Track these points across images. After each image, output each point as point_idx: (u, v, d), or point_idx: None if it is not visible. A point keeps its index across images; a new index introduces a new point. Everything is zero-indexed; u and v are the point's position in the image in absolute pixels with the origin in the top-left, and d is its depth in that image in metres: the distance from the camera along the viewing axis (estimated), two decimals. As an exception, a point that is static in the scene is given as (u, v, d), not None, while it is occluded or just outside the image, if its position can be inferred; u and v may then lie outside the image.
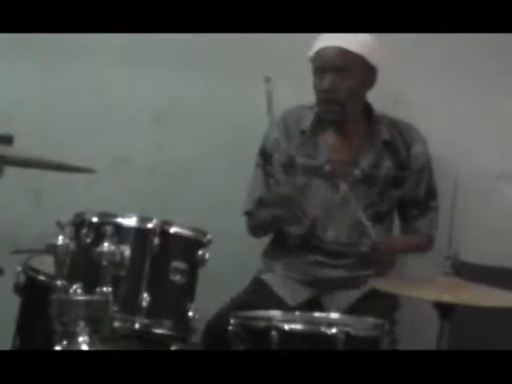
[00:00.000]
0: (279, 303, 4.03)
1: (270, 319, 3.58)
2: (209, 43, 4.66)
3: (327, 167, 4.22)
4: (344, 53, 4.11)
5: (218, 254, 3.70)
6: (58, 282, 3.48)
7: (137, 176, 4.32)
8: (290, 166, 4.26)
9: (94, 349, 3.43)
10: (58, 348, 3.43)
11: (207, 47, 4.70)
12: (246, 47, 4.66)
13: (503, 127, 4.52)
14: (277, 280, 4.30)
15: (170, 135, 4.63)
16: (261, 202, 4.26)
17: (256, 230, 4.32)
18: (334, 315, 3.73)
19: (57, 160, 3.68)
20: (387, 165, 4.22)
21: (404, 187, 4.27)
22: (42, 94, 4.57)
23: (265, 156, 4.34)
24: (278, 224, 4.25)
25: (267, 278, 4.31)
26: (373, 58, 4.16)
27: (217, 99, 4.66)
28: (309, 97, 4.27)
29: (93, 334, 3.44)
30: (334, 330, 3.46)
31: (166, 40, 4.64)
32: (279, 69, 4.38)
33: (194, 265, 3.62)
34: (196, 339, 3.81)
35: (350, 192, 4.17)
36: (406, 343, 4.01)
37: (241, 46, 4.66)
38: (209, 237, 3.63)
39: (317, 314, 3.76)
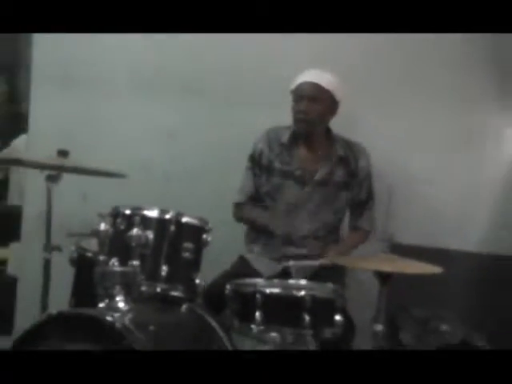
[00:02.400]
0: (257, 275, 4.19)
1: (255, 285, 3.72)
2: (212, 74, 4.80)
3: (297, 172, 4.42)
4: (318, 87, 4.30)
5: (216, 238, 3.91)
6: (101, 257, 3.88)
7: (156, 180, 4.58)
8: (270, 170, 4.43)
9: (127, 307, 3.69)
10: (101, 305, 3.72)
11: (211, 78, 4.83)
12: (241, 80, 4.80)
13: (425, 144, 4.68)
14: (255, 258, 4.50)
15: (180, 149, 4.81)
16: (250, 198, 4.50)
17: (239, 218, 4.54)
18: (303, 282, 3.80)
19: (98, 168, 4.04)
20: (340, 173, 4.40)
21: (350, 191, 4.45)
22: (87, 122, 4.81)
23: (253, 161, 4.49)
24: (258, 227, 4.48)
25: (248, 256, 4.52)
26: (338, 94, 4.35)
27: (217, 120, 4.78)
28: (285, 120, 4.46)
29: (126, 295, 3.74)
30: (302, 293, 3.68)
31: (179, 71, 4.84)
32: (264, 98, 4.61)
33: (200, 245, 3.89)
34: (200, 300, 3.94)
35: (312, 192, 4.42)
36: (354, 303, 4.13)
37: (237, 79, 4.79)
38: (210, 225, 3.91)
39: (290, 281, 3.83)
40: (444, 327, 4.37)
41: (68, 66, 4.94)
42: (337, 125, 4.50)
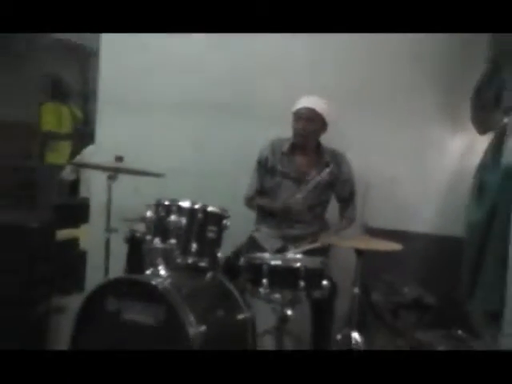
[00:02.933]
0: (263, 250, 4.15)
1: (262, 258, 3.74)
2: (230, 98, 4.73)
3: (294, 174, 4.39)
4: (313, 111, 4.27)
5: (233, 222, 3.91)
6: (147, 237, 3.87)
7: (188, 179, 4.50)
8: (273, 171, 4.41)
9: (166, 274, 3.73)
10: (147, 272, 3.78)
11: (229, 102, 4.75)
12: (253, 103, 4.72)
13: (391, 152, 4.62)
14: (261, 236, 4.44)
15: (206, 155, 4.79)
16: (257, 192, 4.47)
17: (249, 207, 4.50)
18: (298, 256, 3.83)
19: (145, 170, 4.06)
20: (326, 176, 4.30)
21: (334, 190, 4.43)
22: (137, 135, 4.82)
23: (259, 165, 4.45)
24: (267, 210, 4.43)
25: (256, 235, 4.47)
26: (328, 117, 4.32)
27: (233, 134, 4.73)
28: (285, 133, 4.40)
29: (166, 265, 3.78)
30: (298, 264, 3.68)
31: (205, 97, 4.76)
32: (270, 117, 4.54)
33: (220, 228, 3.89)
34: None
35: (306, 189, 4.29)
36: (338, 272, 4.10)
37: (250, 102, 4.73)
38: (229, 213, 3.92)
39: (289, 255, 3.86)
40: (405, 289, 4.36)
41: (122, 94, 4.93)
42: (326, 137, 4.47)
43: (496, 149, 4.00)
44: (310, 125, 4.34)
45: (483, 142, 4.20)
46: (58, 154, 7.27)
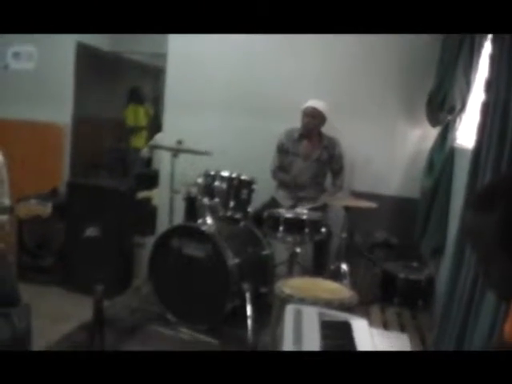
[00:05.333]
0: (280, 206, 4.00)
1: (279, 212, 3.65)
2: (262, 101, 4.56)
3: (302, 154, 4.22)
4: (316, 110, 4.11)
5: (260, 187, 3.83)
6: (199, 197, 3.79)
7: (229, 157, 4.31)
8: (287, 153, 4.24)
9: (212, 222, 3.67)
10: (199, 221, 3.72)
11: (256, 102, 4.57)
12: (268, 101, 4.54)
13: (370, 137, 4.45)
14: (279, 197, 4.25)
15: (242, 140, 4.61)
16: (278, 168, 4.29)
17: (274, 178, 4.30)
18: (305, 211, 3.74)
19: (199, 149, 3.85)
20: (325, 156, 4.21)
21: (330, 165, 4.26)
22: (193, 125, 4.63)
23: (278, 148, 4.26)
24: (283, 182, 4.27)
25: (276, 195, 4.28)
26: (326, 114, 4.13)
27: (261, 126, 4.55)
28: (296, 124, 4.19)
29: (212, 216, 3.71)
30: (304, 217, 3.62)
31: (244, 97, 4.62)
32: (285, 114, 4.30)
33: (250, 191, 3.77)
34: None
35: (309, 164, 4.22)
36: (333, 222, 4.05)
37: (264, 100, 4.55)
38: (256, 181, 3.79)
39: (298, 210, 3.77)
40: (377, 233, 4.31)
41: (181, 97, 4.80)
42: (326, 129, 4.28)
43: (442, 137, 3.96)
44: (314, 120, 4.17)
45: (434, 132, 4.14)
46: (139, 140, 7.33)
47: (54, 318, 3.57)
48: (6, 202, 2.91)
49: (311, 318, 1.80)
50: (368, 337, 1.73)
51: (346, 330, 1.76)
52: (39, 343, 2.90)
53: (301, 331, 1.68)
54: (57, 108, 5.02)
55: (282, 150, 4.30)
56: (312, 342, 1.61)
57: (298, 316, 1.81)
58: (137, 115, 7.35)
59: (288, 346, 1.58)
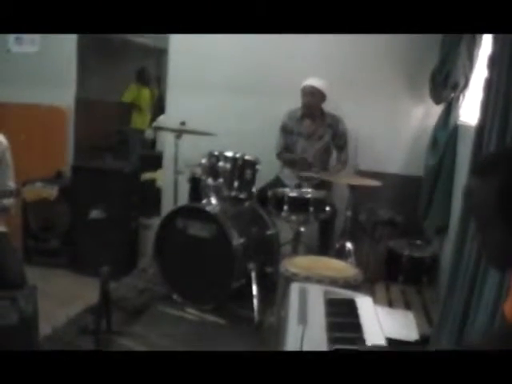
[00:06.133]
0: (285, 186, 3.96)
1: (284, 191, 3.61)
2: (263, 82, 4.53)
3: (305, 133, 4.19)
4: (315, 88, 4.06)
5: (264, 167, 3.81)
6: (203, 177, 3.76)
7: (233, 137, 4.27)
8: (290, 132, 4.20)
9: (216, 203, 3.67)
10: (203, 201, 3.72)
11: (259, 83, 4.54)
12: (270, 81, 4.51)
13: (373, 115, 4.43)
14: (284, 176, 4.22)
15: (245, 121, 4.58)
16: (283, 149, 4.26)
17: (280, 159, 4.27)
18: (309, 190, 3.66)
19: (202, 131, 3.87)
20: (328, 133, 4.17)
21: (334, 141, 4.20)
22: (197, 105, 4.59)
23: (282, 129, 4.23)
24: (289, 162, 4.22)
25: (280, 175, 4.26)
26: (326, 91, 4.08)
27: (265, 106, 4.52)
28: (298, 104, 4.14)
29: (216, 197, 3.71)
30: (309, 195, 3.58)
31: (247, 79, 4.59)
32: (289, 95, 4.19)
33: (254, 171, 3.75)
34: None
35: (313, 143, 4.19)
36: (337, 200, 4.03)
37: (266, 80, 4.52)
38: (260, 161, 3.76)
39: (303, 189, 3.67)
40: (381, 212, 4.27)
41: (184, 78, 4.78)
42: (330, 108, 4.26)
43: (446, 114, 3.94)
44: (313, 98, 4.12)
45: (437, 110, 4.12)
46: (142, 121, 7.29)
47: (61, 300, 3.58)
48: (12, 185, 2.94)
49: (316, 296, 1.80)
50: (373, 314, 1.72)
51: (350, 307, 1.76)
52: (46, 326, 2.91)
53: (306, 309, 1.68)
54: (60, 91, 4.96)
55: (285, 131, 4.27)
56: (317, 319, 1.61)
57: (303, 294, 1.81)
58: (141, 95, 7.27)
59: (293, 323, 1.57)
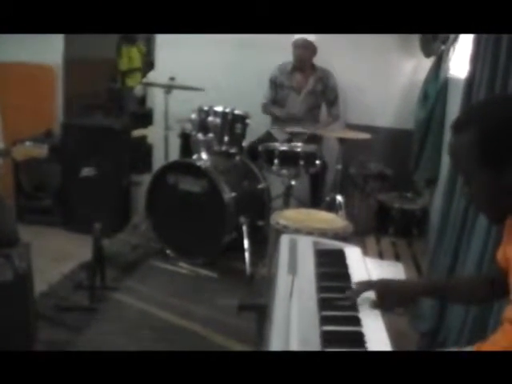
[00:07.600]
0: (275, 140, 3.93)
1: (274, 146, 3.59)
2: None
3: (295, 86, 4.17)
4: (305, 40, 4.02)
5: (254, 122, 3.76)
6: (193, 132, 3.74)
7: (221, 91, 4.25)
8: (281, 86, 4.17)
9: (207, 158, 3.65)
10: (194, 157, 3.70)
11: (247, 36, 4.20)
12: (262, 35, 4.09)
13: (362, 69, 4.38)
14: (275, 131, 4.18)
15: (234, 74, 4.49)
16: (270, 102, 4.23)
17: (265, 112, 4.24)
18: (299, 144, 3.63)
19: (190, 86, 3.79)
20: (319, 87, 4.15)
21: (325, 96, 4.18)
22: (184, 62, 4.50)
23: (271, 81, 4.19)
24: (276, 118, 4.24)
25: (271, 130, 4.22)
26: (316, 44, 4.04)
27: (255, 60, 4.42)
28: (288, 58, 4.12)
29: (206, 152, 3.69)
30: (299, 149, 3.56)
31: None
32: (278, 48, 4.10)
33: (244, 125, 3.71)
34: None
35: (304, 97, 4.17)
36: (328, 153, 4.07)
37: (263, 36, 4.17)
38: (250, 115, 3.72)
39: (293, 143, 3.65)
40: (372, 165, 4.32)
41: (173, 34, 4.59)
42: (321, 63, 4.24)
43: (436, 67, 3.91)
44: (304, 51, 4.10)
45: (427, 63, 4.09)
46: (133, 79, 7.15)
47: (55, 257, 3.57)
48: (1, 145, 2.91)
49: (306, 247, 1.79)
50: (361, 264, 1.72)
51: (339, 257, 1.76)
52: (41, 283, 2.91)
53: (295, 259, 1.68)
54: (47, 49, 4.88)
55: (275, 84, 4.23)
56: (306, 269, 1.61)
57: (293, 245, 1.80)
58: (131, 57, 7.13)
59: (283, 274, 1.58)
